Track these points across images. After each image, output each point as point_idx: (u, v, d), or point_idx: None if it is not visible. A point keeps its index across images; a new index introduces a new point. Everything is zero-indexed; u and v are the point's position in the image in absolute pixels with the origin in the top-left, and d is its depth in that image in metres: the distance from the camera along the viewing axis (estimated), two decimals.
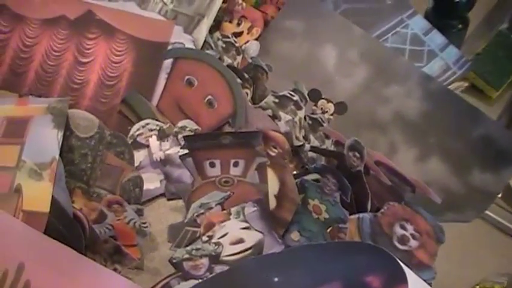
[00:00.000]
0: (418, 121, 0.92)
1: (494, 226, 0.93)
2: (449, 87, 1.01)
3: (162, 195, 0.88)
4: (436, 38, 1.07)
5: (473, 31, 1.18)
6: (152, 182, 0.87)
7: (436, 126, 0.92)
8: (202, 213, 0.78)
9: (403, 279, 0.60)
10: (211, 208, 0.78)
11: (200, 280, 0.73)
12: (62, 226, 0.70)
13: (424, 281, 0.73)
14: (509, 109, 1.10)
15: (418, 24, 1.08)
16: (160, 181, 0.88)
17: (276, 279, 0.60)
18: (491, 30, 1.16)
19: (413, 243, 0.74)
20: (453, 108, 0.92)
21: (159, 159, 0.88)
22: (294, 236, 0.82)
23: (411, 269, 0.73)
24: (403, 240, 0.75)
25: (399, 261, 0.61)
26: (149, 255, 0.80)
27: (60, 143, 0.75)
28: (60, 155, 0.74)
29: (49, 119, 0.78)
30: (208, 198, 0.79)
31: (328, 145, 0.89)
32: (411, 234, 0.75)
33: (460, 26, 1.12)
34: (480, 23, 1.20)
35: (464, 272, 0.83)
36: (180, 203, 0.87)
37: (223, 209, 0.79)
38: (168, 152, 0.88)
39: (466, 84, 1.10)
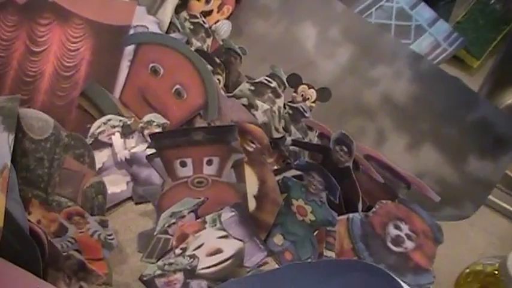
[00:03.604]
0: (408, 105, 0.86)
1: (485, 205, 0.89)
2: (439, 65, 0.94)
3: (130, 198, 0.82)
4: (424, 12, 1.02)
5: None
6: (118, 184, 0.81)
7: (427, 111, 0.86)
8: (173, 223, 0.71)
9: None
10: (184, 216, 0.72)
11: None
12: (17, 243, 0.62)
13: (422, 285, 0.68)
14: (490, 78, 1.07)
15: None
16: (127, 183, 0.82)
17: None
18: None
19: (408, 244, 0.70)
20: (446, 89, 0.86)
21: (124, 159, 0.81)
22: (278, 239, 0.77)
23: (407, 272, 0.68)
24: (397, 241, 0.71)
25: (398, 280, 0.54)
26: (118, 268, 0.74)
27: (12, 148, 0.67)
28: (13, 160, 0.67)
29: None
30: (180, 206, 0.73)
31: (312, 137, 0.83)
32: (406, 235, 0.70)
33: None
34: None
35: (455, 252, 0.79)
36: (150, 206, 0.80)
37: (197, 217, 0.73)
38: (133, 150, 0.82)
39: None
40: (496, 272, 0.65)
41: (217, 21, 0.97)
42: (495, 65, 1.08)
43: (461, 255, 0.77)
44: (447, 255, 0.72)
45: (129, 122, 0.82)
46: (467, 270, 0.72)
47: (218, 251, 0.71)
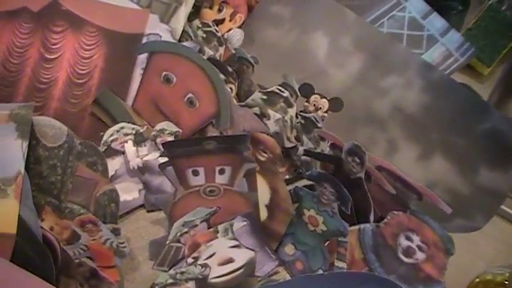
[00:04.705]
0: (419, 115, 0.86)
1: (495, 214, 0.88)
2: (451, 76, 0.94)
3: (142, 206, 0.82)
4: (436, 22, 1.01)
5: None
6: (130, 192, 0.81)
7: (438, 121, 0.85)
8: (186, 232, 0.71)
9: None
10: (196, 226, 0.72)
11: None
12: (30, 250, 0.63)
13: None
14: (501, 86, 1.07)
15: (416, 6, 1.01)
16: (139, 191, 0.82)
17: None
18: (482, 4, 1.14)
19: (420, 255, 0.69)
20: (457, 100, 0.85)
21: (136, 167, 0.81)
22: (289, 249, 0.77)
23: (418, 284, 0.68)
24: (408, 252, 0.70)
25: None
26: (130, 276, 0.74)
27: (26, 155, 0.67)
28: (27, 167, 0.67)
29: (12, 127, 0.69)
30: (192, 216, 0.73)
31: (324, 148, 0.83)
32: (417, 246, 0.70)
33: (460, 7, 1.06)
34: None
35: (464, 261, 0.78)
36: (162, 214, 0.80)
37: (209, 226, 0.73)
38: (146, 158, 0.82)
39: None
40: (507, 282, 0.65)
41: (230, 29, 0.98)
42: (505, 72, 1.08)
43: (470, 264, 0.77)
44: (456, 264, 0.71)
45: (141, 130, 0.82)
46: (477, 280, 0.72)
47: (230, 261, 0.70)
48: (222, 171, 0.76)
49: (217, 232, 0.72)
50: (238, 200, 0.77)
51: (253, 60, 0.88)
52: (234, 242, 0.72)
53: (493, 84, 1.08)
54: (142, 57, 0.87)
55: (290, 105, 0.84)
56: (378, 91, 0.88)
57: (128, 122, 0.83)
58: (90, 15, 0.88)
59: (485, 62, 1.11)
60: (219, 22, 0.98)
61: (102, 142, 0.81)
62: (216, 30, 0.94)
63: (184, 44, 0.90)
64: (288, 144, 0.84)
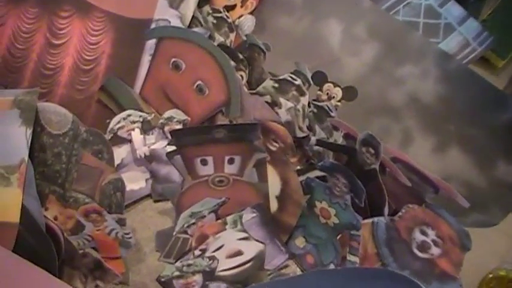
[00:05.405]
0: (435, 106, 0.85)
1: None
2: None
3: (148, 196, 0.81)
4: (454, 10, 0.99)
5: None
6: (136, 181, 0.80)
7: (455, 112, 0.84)
8: (193, 224, 0.70)
9: None
10: (204, 217, 0.70)
11: None
12: (33, 240, 0.62)
13: None
14: None
15: None
16: (146, 180, 0.81)
17: None
18: None
19: (435, 250, 0.68)
20: (474, 90, 0.84)
21: (143, 156, 0.80)
22: (299, 242, 0.76)
23: (433, 280, 0.67)
24: (423, 247, 0.69)
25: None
26: (135, 268, 0.73)
27: (29, 142, 0.66)
28: (31, 155, 0.66)
29: (16, 114, 0.68)
30: (200, 206, 0.71)
31: (337, 138, 0.81)
32: (433, 241, 0.68)
33: None
34: None
35: (475, 256, 0.75)
36: (169, 204, 0.79)
37: (217, 218, 0.72)
38: (153, 146, 0.81)
39: None
40: None
41: (241, 16, 0.96)
42: None
43: (483, 260, 0.76)
44: (468, 259, 0.70)
45: (149, 118, 0.81)
46: (491, 275, 0.72)
47: (238, 253, 0.69)
48: (231, 161, 0.75)
49: (226, 224, 0.71)
50: (247, 190, 0.75)
51: (264, 47, 0.87)
52: (243, 234, 0.70)
53: (508, 77, 1.07)
54: (150, 43, 0.85)
55: (302, 94, 0.83)
56: (393, 80, 0.87)
57: (136, 110, 0.81)
58: (97, 0, 0.86)
59: (500, 54, 1.09)
60: (229, 8, 0.96)
61: (108, 130, 0.80)
62: (226, 16, 0.92)
63: (194, 30, 0.89)
64: (299, 134, 0.83)
